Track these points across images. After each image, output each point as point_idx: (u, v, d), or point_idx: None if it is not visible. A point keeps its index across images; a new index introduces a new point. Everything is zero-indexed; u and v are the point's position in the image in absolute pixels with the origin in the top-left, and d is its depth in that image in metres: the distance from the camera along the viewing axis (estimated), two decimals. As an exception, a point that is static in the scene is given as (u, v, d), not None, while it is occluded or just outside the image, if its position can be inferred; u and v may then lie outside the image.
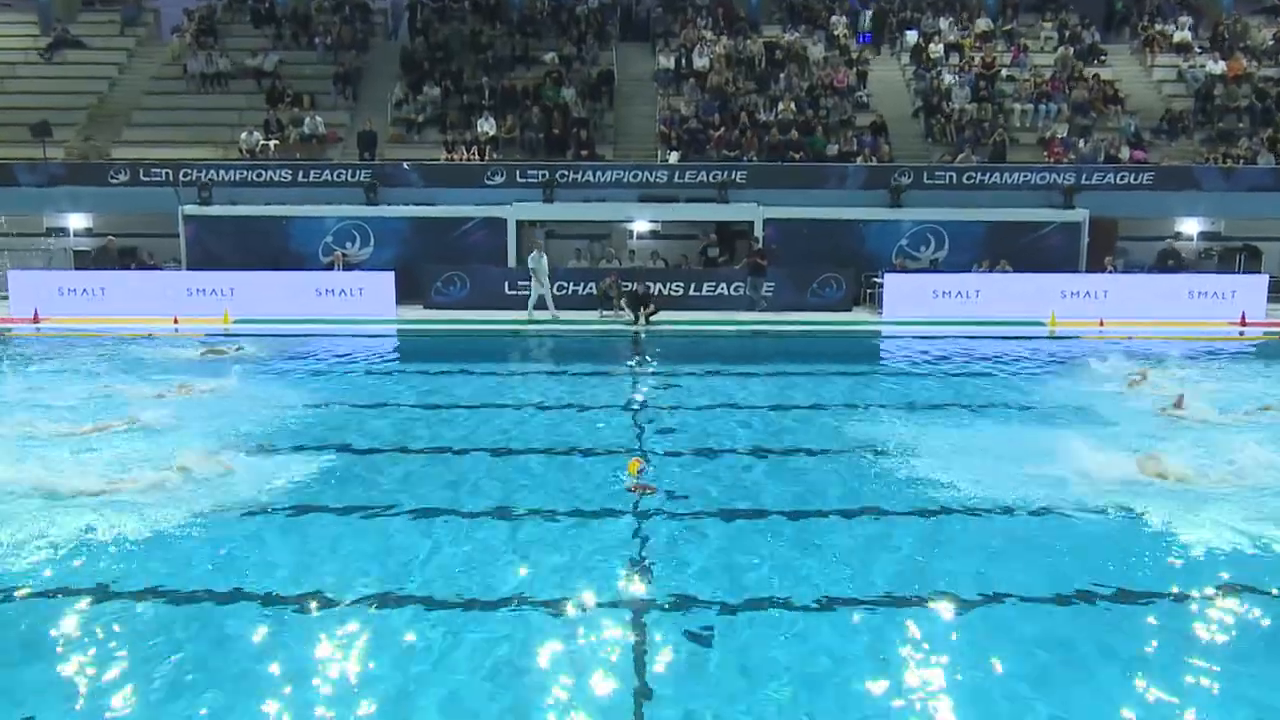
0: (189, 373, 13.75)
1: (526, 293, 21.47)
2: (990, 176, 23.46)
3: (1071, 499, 8.24)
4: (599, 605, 6.26)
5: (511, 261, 22.65)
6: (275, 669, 5.45)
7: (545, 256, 20.76)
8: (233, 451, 9.57)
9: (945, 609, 6.30)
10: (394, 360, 16.97)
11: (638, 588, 6.63)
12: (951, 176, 23.56)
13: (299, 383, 13.57)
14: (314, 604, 6.24)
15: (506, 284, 21.83)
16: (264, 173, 23.26)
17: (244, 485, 8.54)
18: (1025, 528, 7.77)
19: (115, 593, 6.36)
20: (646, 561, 7.09)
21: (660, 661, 5.56)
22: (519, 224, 22.86)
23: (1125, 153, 24.68)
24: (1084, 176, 23.49)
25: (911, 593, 6.53)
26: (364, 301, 21.01)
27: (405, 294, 21.30)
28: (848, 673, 5.41)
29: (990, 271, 22.19)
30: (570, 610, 6.20)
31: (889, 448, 10.10)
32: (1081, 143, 25.04)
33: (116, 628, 5.91)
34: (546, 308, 20.51)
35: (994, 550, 7.24)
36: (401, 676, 5.35)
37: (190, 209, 22.65)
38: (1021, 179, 23.45)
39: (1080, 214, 22.95)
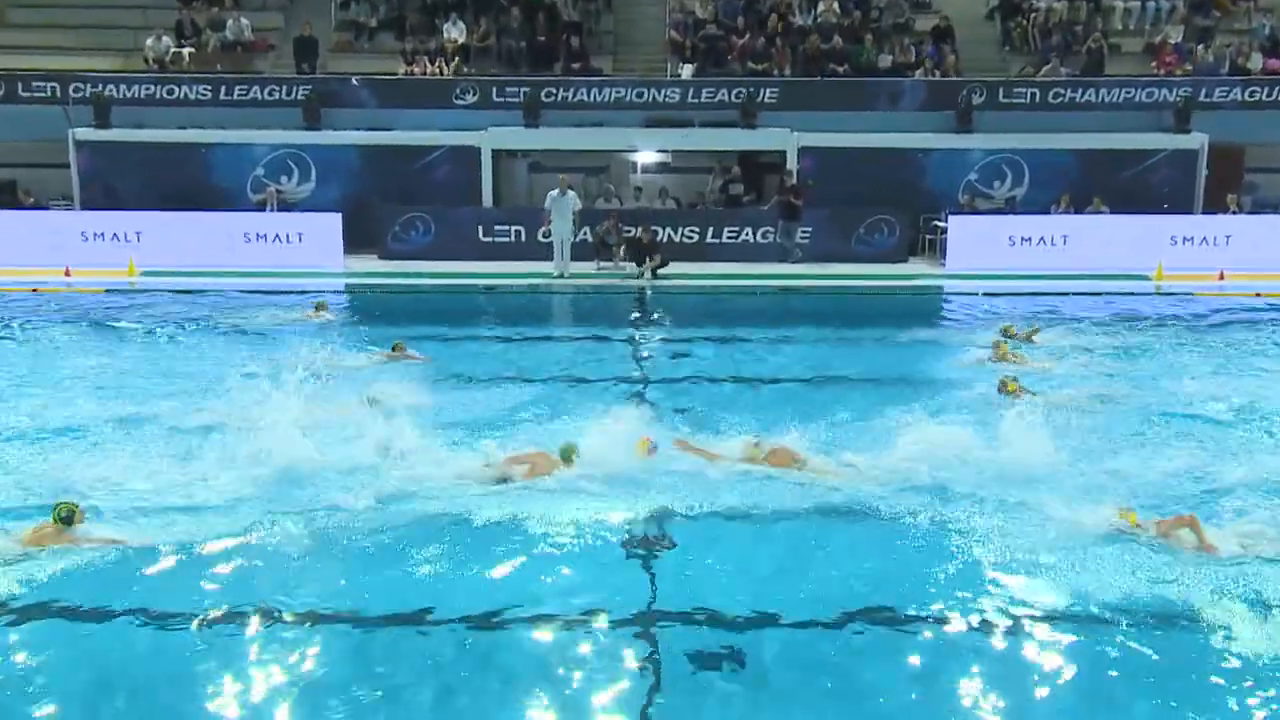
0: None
1: (505, 239, 21.45)
2: (1083, 94, 23.12)
3: None
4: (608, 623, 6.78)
5: (486, 199, 22.51)
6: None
7: (573, 195, 20.32)
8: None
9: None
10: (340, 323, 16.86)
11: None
12: (1034, 94, 23.24)
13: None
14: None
15: (480, 229, 21.72)
16: (176, 88, 22.97)
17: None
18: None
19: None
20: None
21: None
22: (495, 154, 22.66)
23: (1256, 61, 24.24)
24: (1202, 92, 23.15)
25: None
26: (304, 250, 20.91)
27: (355, 241, 21.21)
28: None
29: (1080, 213, 21.95)
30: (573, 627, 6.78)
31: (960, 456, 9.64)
32: (1200, 49, 24.61)
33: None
34: (561, 258, 20.27)
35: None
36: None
37: (83, 133, 22.39)
38: (1123, 96, 23.11)
39: (1196, 139, 22.70)
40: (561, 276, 20.10)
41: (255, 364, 12.43)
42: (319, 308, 16.43)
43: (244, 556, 7.74)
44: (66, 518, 7.61)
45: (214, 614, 6.86)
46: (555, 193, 20.09)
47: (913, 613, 6.99)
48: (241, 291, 18.47)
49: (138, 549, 7.69)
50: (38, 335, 15.27)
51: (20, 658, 6.44)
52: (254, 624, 6.78)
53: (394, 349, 13.51)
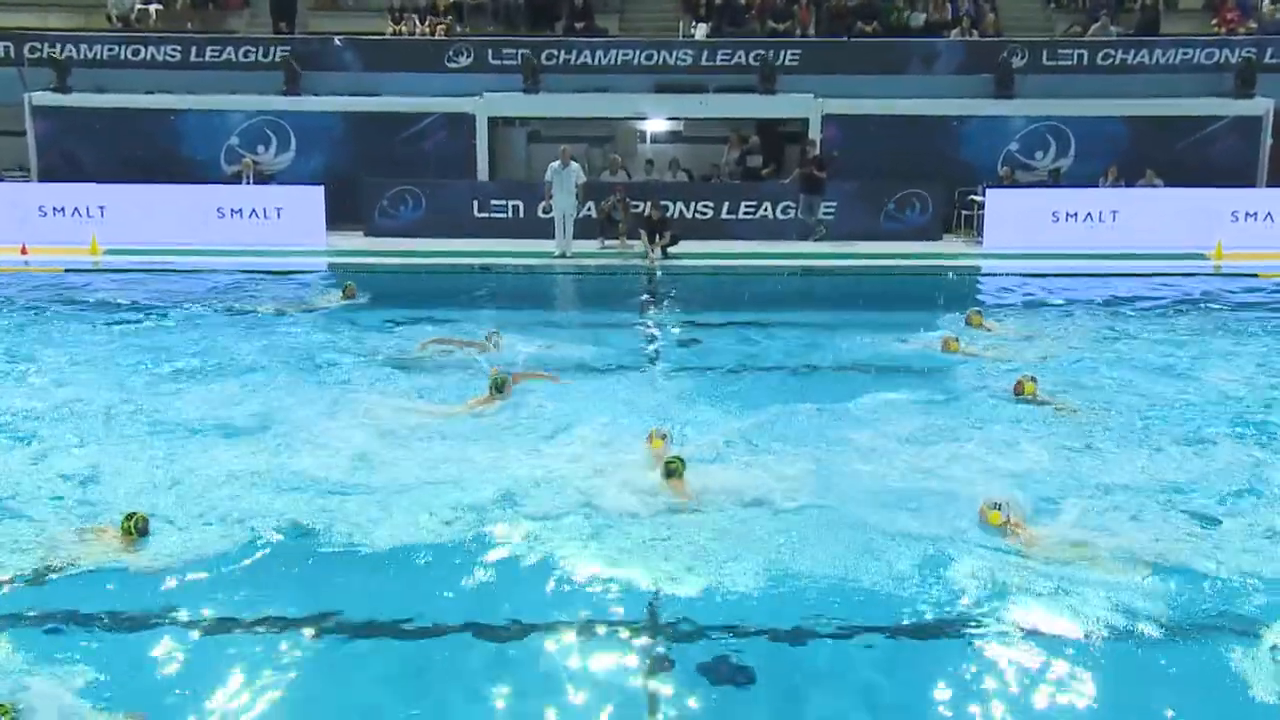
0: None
1: (502, 215, 21.47)
2: (1135, 55, 23.05)
3: None
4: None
5: (482, 172, 22.50)
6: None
7: (576, 167, 20.26)
8: None
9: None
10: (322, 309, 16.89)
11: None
12: (1081, 56, 23.19)
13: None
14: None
15: (475, 203, 21.71)
16: (143, 49, 22.98)
17: None
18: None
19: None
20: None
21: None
22: (491, 122, 22.66)
23: (1328, 19, 24.21)
24: (1268, 53, 23.05)
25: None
26: (283, 226, 20.97)
27: (339, 216, 21.26)
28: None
29: (1132, 186, 21.86)
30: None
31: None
32: (1266, 5, 24.54)
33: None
34: (563, 236, 20.29)
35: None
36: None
37: (40, 98, 22.38)
38: (1180, 58, 23.03)
39: (1261, 105, 22.54)
40: (563, 256, 20.09)
41: (307, 358, 13.10)
42: (347, 291, 16.47)
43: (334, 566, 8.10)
44: (142, 529, 8.03)
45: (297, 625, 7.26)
46: (556, 164, 20.04)
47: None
48: (241, 271, 18.64)
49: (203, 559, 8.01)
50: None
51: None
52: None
53: (487, 338, 13.61)
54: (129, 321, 15.29)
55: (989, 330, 14.64)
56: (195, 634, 7.16)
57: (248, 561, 8.09)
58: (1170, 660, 6.94)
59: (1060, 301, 17.17)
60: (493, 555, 8.21)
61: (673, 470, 9.02)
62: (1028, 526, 8.42)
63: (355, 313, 15.78)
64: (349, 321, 15.19)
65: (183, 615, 7.34)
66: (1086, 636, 7.10)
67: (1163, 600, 7.46)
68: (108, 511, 8.63)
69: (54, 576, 7.69)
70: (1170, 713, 6.52)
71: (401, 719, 6.43)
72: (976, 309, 15.26)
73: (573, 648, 7.05)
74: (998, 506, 8.47)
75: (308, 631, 7.23)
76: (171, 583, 7.73)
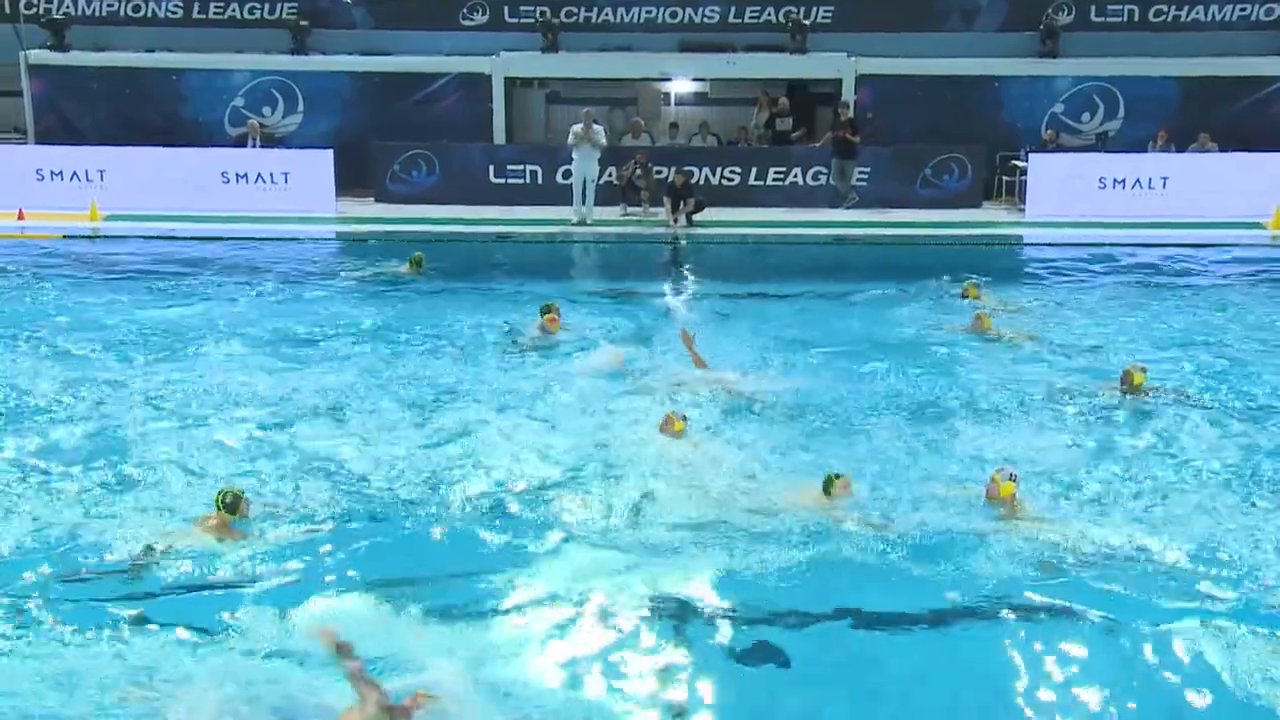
0: None
1: (519, 180, 21.21)
2: (1189, 11, 22.71)
3: None
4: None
5: (499, 136, 22.34)
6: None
7: (599, 130, 19.88)
8: None
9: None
10: (335, 278, 16.67)
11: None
12: (1132, 12, 22.86)
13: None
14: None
15: (492, 168, 21.49)
16: (143, 5, 22.93)
17: None
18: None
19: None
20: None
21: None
22: (508, 83, 22.49)
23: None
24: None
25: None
26: (290, 192, 20.79)
27: (349, 180, 21.13)
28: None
29: (1183, 151, 21.46)
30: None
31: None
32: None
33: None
34: (581, 202, 19.91)
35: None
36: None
37: (37, 56, 22.26)
38: (1236, 14, 22.69)
39: (1322, 66, 22.22)
40: (582, 223, 19.71)
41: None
42: (415, 263, 15.90)
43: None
44: (230, 505, 7.81)
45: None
46: (578, 127, 19.70)
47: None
48: (253, 239, 18.59)
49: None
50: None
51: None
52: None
53: (547, 316, 12.84)
54: (176, 293, 15.11)
55: (981, 302, 14.18)
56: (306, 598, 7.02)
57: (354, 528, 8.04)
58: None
59: (1100, 271, 16.89)
60: (499, 521, 8.12)
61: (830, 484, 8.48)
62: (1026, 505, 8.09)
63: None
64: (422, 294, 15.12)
65: (281, 581, 7.25)
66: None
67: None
68: (196, 491, 8.50)
69: (156, 556, 7.51)
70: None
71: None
72: (973, 280, 14.90)
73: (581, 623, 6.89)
74: (1013, 478, 8.05)
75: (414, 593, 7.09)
76: (265, 553, 7.59)
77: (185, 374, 11.28)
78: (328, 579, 7.34)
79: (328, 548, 7.71)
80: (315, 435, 9.68)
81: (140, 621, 6.74)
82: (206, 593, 7.14)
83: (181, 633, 6.61)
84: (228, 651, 6.43)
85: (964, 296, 14.55)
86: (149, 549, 7.53)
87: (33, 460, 9.02)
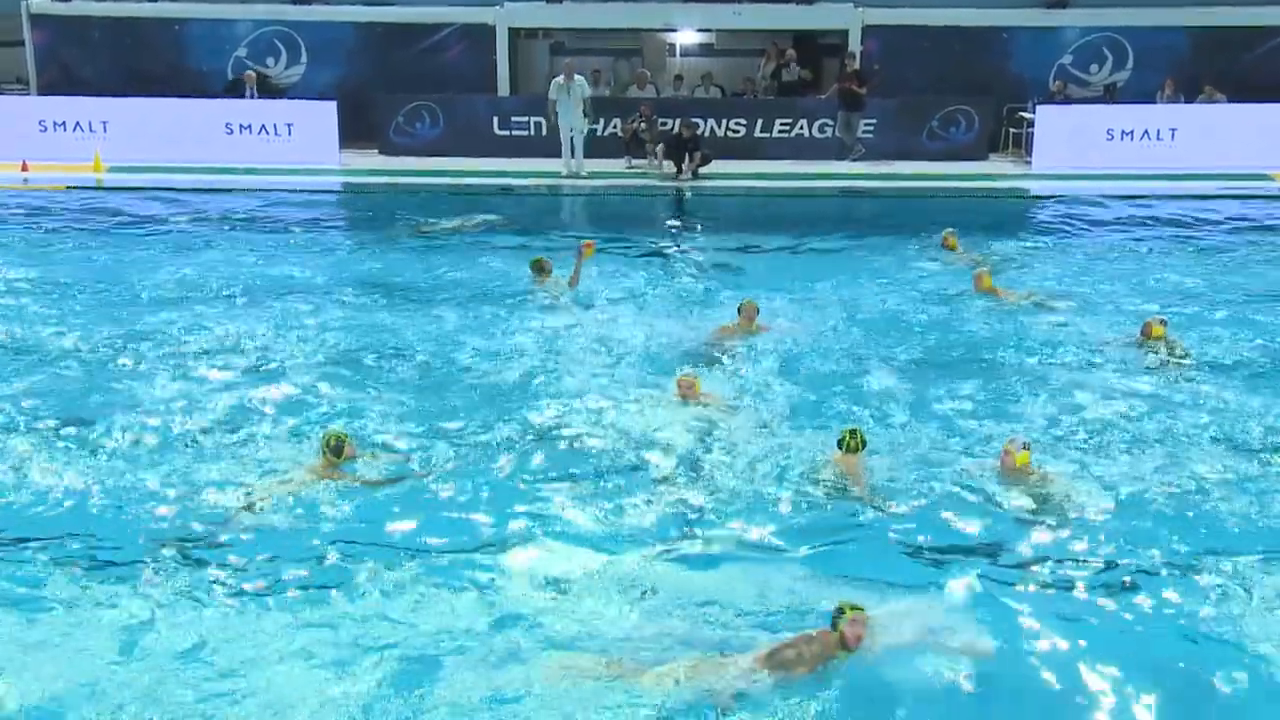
0: None
1: (523, 132, 21.09)
2: None
3: None
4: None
5: (503, 87, 22.18)
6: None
7: (581, 81, 19.72)
8: None
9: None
10: (338, 231, 16.82)
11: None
12: None
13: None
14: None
15: (495, 120, 21.40)
16: None
17: None
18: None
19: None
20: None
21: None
22: (513, 34, 22.30)
23: None
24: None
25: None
26: (293, 143, 20.74)
27: (352, 132, 21.04)
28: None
29: (1190, 102, 21.34)
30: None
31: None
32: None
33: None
34: (570, 155, 19.85)
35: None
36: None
37: (39, 5, 22.09)
38: None
39: (1334, 16, 22.00)
40: (574, 176, 19.67)
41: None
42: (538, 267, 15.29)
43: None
44: (336, 448, 8.00)
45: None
46: (559, 79, 19.65)
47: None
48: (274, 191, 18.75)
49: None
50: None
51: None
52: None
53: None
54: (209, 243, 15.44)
55: (960, 255, 14.47)
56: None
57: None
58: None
59: (1109, 220, 17.07)
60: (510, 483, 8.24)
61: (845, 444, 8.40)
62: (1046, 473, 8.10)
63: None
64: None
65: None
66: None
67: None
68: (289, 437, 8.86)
69: (259, 504, 7.76)
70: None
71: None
72: (951, 230, 14.98)
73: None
74: (1027, 447, 8.07)
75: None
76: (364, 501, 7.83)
77: (251, 325, 11.58)
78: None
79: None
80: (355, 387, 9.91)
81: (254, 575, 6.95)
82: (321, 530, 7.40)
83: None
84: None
85: (944, 246, 14.69)
86: (249, 499, 7.69)
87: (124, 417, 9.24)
